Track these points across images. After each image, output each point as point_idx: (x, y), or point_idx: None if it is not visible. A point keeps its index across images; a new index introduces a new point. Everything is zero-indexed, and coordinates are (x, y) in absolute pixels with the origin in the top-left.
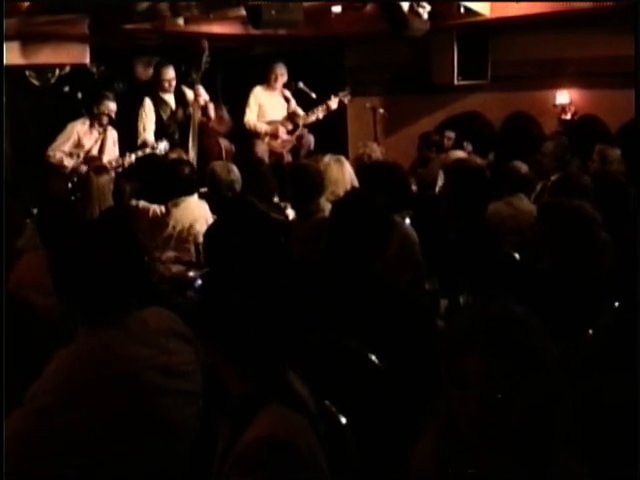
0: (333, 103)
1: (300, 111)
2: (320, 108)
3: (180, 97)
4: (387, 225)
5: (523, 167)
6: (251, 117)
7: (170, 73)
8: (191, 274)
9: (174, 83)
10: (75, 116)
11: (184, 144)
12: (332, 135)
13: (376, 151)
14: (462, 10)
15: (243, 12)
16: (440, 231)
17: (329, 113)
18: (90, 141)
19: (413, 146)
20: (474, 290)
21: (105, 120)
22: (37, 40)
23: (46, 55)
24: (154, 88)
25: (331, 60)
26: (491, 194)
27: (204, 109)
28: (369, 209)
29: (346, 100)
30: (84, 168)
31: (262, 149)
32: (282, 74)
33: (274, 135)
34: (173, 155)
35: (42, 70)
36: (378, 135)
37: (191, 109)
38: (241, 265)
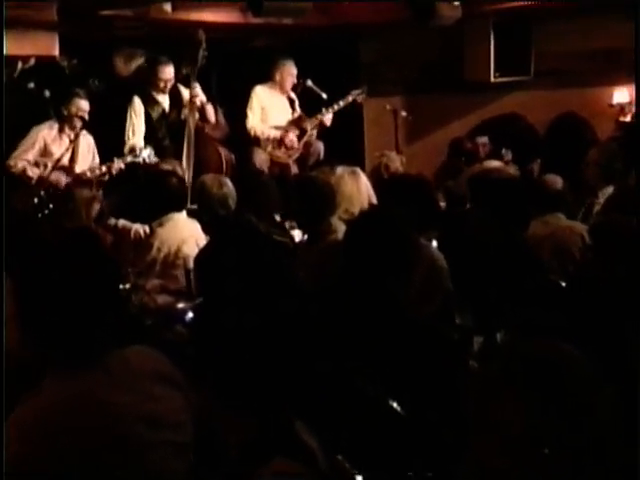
0: (325, 118)
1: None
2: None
3: (175, 97)
4: (411, 248)
5: (558, 182)
6: (255, 122)
7: (169, 72)
8: (180, 305)
9: (170, 84)
10: (42, 118)
11: (177, 153)
12: (345, 142)
13: (396, 161)
14: None
15: None
16: (472, 255)
17: (321, 127)
18: (60, 148)
19: (441, 155)
20: (513, 325)
21: (77, 123)
22: None
23: (6, 45)
24: (145, 85)
25: (344, 54)
26: (531, 210)
27: (201, 112)
28: (390, 230)
29: (361, 99)
30: (56, 179)
31: (262, 158)
32: (291, 74)
33: (280, 142)
34: (166, 166)
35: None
36: (400, 142)
37: (186, 111)
38: (237, 295)
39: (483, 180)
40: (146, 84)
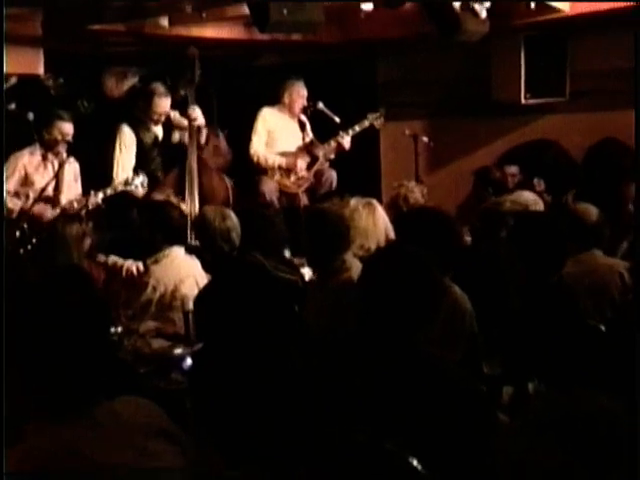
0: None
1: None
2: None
3: (167, 122)
4: (434, 289)
5: (593, 212)
6: (259, 147)
7: (165, 105)
8: (177, 351)
9: (165, 115)
10: (24, 143)
11: (173, 184)
12: (360, 171)
13: (415, 192)
14: (532, 5)
15: (246, 11)
16: (501, 297)
17: (340, 149)
18: (43, 177)
19: (466, 185)
20: (547, 375)
21: (62, 149)
22: None
23: None
24: (136, 112)
25: (360, 73)
26: (567, 247)
27: (200, 137)
28: (410, 269)
29: (378, 124)
30: (40, 212)
31: (270, 188)
32: (301, 95)
33: (288, 170)
34: (159, 196)
35: None
36: (420, 171)
37: (184, 136)
38: (241, 340)
39: (501, 214)
40: (139, 111)
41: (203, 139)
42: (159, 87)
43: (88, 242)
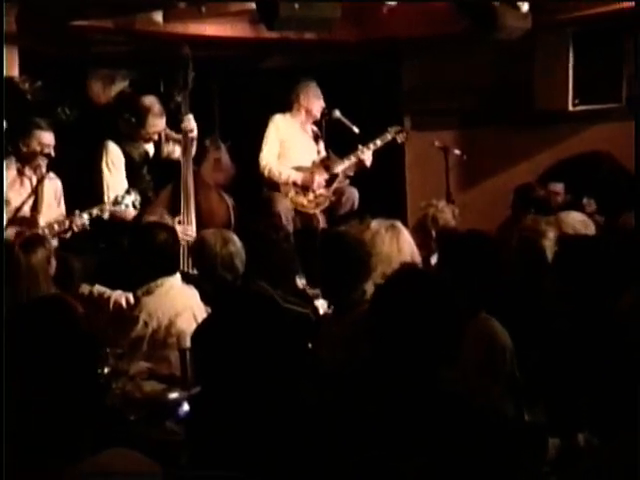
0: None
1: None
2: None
3: (159, 137)
4: (456, 319)
5: None
6: (271, 159)
7: (161, 124)
8: (172, 395)
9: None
10: None
11: (171, 206)
12: (383, 188)
13: (446, 213)
14: None
15: (252, 6)
16: (545, 334)
17: (361, 165)
18: (19, 195)
19: (504, 205)
20: (599, 425)
21: (41, 162)
22: None
23: None
24: (125, 128)
25: (382, 77)
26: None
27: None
28: (429, 294)
29: (400, 138)
30: (14, 235)
31: (284, 208)
32: (318, 97)
33: (305, 188)
34: (151, 217)
35: None
36: (452, 188)
37: (176, 150)
38: (245, 382)
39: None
40: (129, 127)
41: (193, 149)
42: (155, 105)
43: (54, 265)
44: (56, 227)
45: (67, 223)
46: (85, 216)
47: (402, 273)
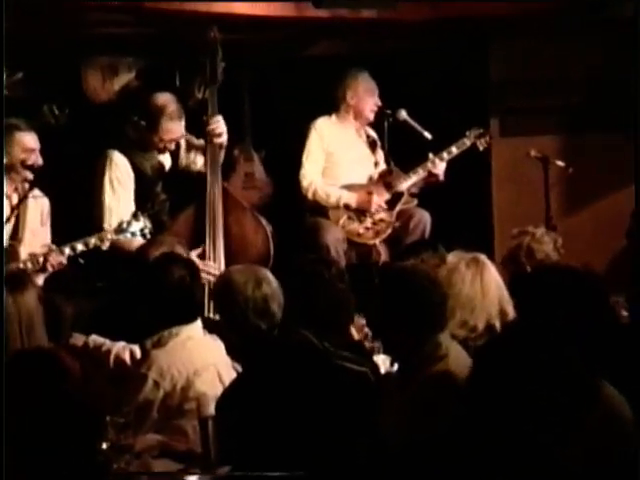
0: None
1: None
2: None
3: (176, 145)
4: (580, 389)
5: None
6: (315, 176)
7: (178, 129)
8: (191, 479)
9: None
10: None
11: (191, 234)
12: (463, 211)
13: (545, 242)
14: None
15: None
16: None
17: (433, 180)
18: None
19: (619, 232)
20: None
21: (23, 175)
22: None
23: None
24: (133, 134)
25: (462, 68)
26: None
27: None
28: (545, 362)
29: (482, 145)
30: None
31: (334, 238)
32: (369, 91)
33: (360, 211)
34: (163, 248)
35: None
36: (553, 210)
37: (199, 163)
38: (285, 459)
39: None
40: (137, 133)
41: (221, 160)
42: (170, 104)
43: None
44: (41, 260)
45: (57, 256)
46: (80, 247)
47: (507, 334)
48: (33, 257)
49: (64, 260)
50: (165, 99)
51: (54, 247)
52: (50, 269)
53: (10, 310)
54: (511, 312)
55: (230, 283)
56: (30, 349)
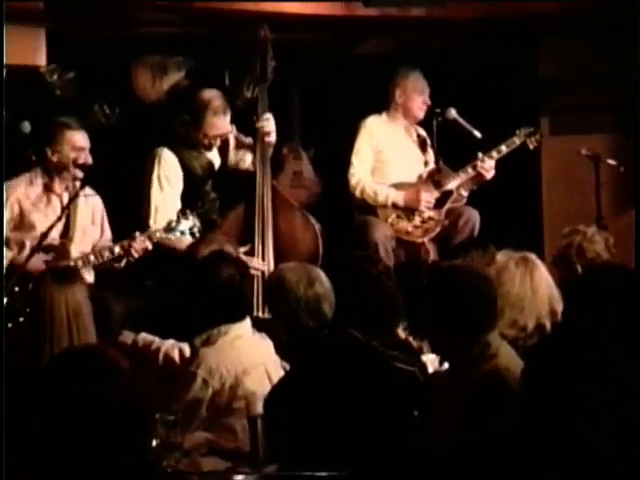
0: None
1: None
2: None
3: (225, 142)
4: (635, 391)
5: None
6: (364, 174)
7: (223, 125)
8: (239, 478)
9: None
10: (18, 168)
11: (241, 233)
12: (513, 209)
13: (596, 242)
14: None
15: None
16: None
17: (481, 179)
18: (45, 217)
19: None
20: None
21: (74, 174)
22: None
23: None
24: (180, 130)
25: (510, 65)
26: None
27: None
28: (601, 366)
29: (532, 143)
30: (39, 268)
31: (382, 236)
32: (419, 91)
33: (409, 210)
34: (213, 246)
35: None
36: (604, 210)
37: (248, 161)
38: (334, 459)
39: None
40: (184, 129)
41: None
42: (215, 99)
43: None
44: (92, 259)
45: (117, 250)
46: (116, 249)
47: (560, 334)
48: (97, 253)
49: (149, 245)
50: (210, 94)
51: (138, 235)
52: (135, 255)
53: (58, 305)
54: (560, 312)
55: (282, 281)
56: (79, 346)
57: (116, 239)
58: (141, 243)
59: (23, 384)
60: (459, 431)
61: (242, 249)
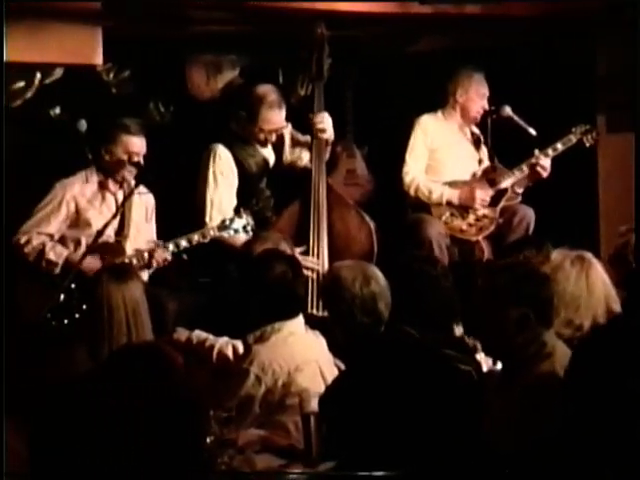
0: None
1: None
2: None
3: (280, 138)
4: None
5: None
6: (418, 173)
7: (278, 119)
8: (293, 476)
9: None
10: (74, 166)
11: (295, 231)
12: (568, 207)
13: None
14: None
15: None
16: None
17: (537, 177)
18: (101, 214)
19: None
20: None
21: (128, 174)
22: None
23: (19, 47)
24: (235, 126)
25: (567, 61)
26: None
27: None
28: None
29: (589, 141)
30: (94, 265)
31: (436, 234)
32: (481, 95)
33: (463, 208)
34: (268, 245)
35: (9, 76)
36: None
37: (304, 159)
38: (394, 458)
39: None
40: (239, 125)
41: (326, 156)
42: (270, 93)
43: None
44: (147, 256)
45: (171, 247)
46: (183, 243)
47: (610, 329)
48: (138, 253)
49: (169, 256)
50: (265, 89)
51: (160, 243)
52: (155, 265)
53: (117, 301)
54: (618, 310)
55: (338, 279)
56: (137, 343)
57: (170, 236)
58: (162, 253)
59: (82, 379)
60: (516, 432)
61: (298, 249)
